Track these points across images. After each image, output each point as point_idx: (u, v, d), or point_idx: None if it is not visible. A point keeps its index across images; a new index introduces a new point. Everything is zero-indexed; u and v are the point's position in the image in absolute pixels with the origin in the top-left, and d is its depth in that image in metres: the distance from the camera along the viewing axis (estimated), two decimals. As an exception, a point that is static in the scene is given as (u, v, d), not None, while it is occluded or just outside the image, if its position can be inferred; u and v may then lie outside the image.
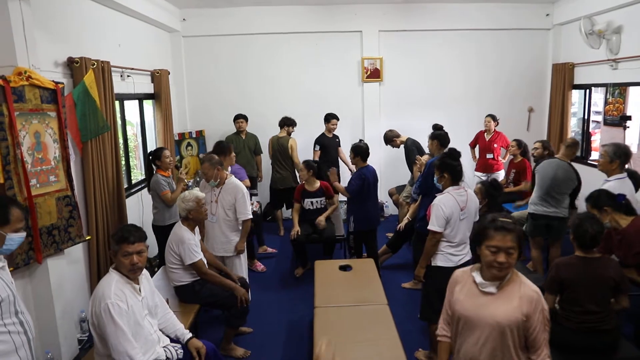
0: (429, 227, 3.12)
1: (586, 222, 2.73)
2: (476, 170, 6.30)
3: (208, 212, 3.82)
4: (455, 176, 3.18)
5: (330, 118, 6.23)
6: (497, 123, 6.22)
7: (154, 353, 2.50)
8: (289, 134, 6.17)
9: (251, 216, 4.05)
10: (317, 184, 4.97)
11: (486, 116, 6.25)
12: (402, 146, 5.76)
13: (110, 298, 2.33)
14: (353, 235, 4.68)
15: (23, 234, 2.18)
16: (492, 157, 6.15)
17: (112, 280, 2.41)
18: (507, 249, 1.89)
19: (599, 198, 3.22)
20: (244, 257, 4.17)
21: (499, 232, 1.91)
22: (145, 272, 2.63)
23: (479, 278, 2.01)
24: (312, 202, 4.96)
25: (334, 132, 6.35)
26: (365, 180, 4.46)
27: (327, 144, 6.20)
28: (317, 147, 6.18)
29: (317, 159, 6.05)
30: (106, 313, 2.30)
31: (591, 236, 2.70)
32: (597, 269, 2.69)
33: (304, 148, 6.35)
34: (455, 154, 3.29)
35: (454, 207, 3.09)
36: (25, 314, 2.15)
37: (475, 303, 2.00)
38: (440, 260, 3.15)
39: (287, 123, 6.15)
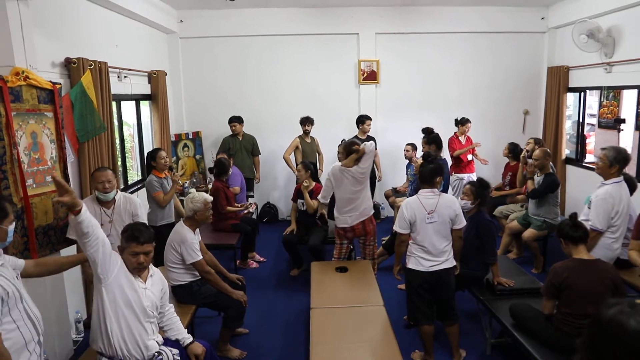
0: (393, 227, 3.18)
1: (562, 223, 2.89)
2: (457, 172, 6.21)
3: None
4: (422, 178, 3.24)
5: (364, 119, 6.14)
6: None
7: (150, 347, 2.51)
8: (305, 132, 6.20)
9: None
10: (312, 185, 4.88)
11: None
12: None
13: None
14: None
15: (13, 224, 2.21)
16: (471, 158, 6.27)
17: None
18: None
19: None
20: None
21: None
22: (159, 272, 2.69)
23: None
24: (303, 204, 4.91)
25: (369, 134, 6.17)
26: None
27: None
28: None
29: None
30: None
31: (572, 224, 2.78)
32: (594, 271, 2.70)
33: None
34: (427, 156, 3.38)
35: (417, 209, 3.11)
36: (34, 309, 2.17)
37: None
38: (411, 263, 3.20)
39: (300, 122, 6.16)
